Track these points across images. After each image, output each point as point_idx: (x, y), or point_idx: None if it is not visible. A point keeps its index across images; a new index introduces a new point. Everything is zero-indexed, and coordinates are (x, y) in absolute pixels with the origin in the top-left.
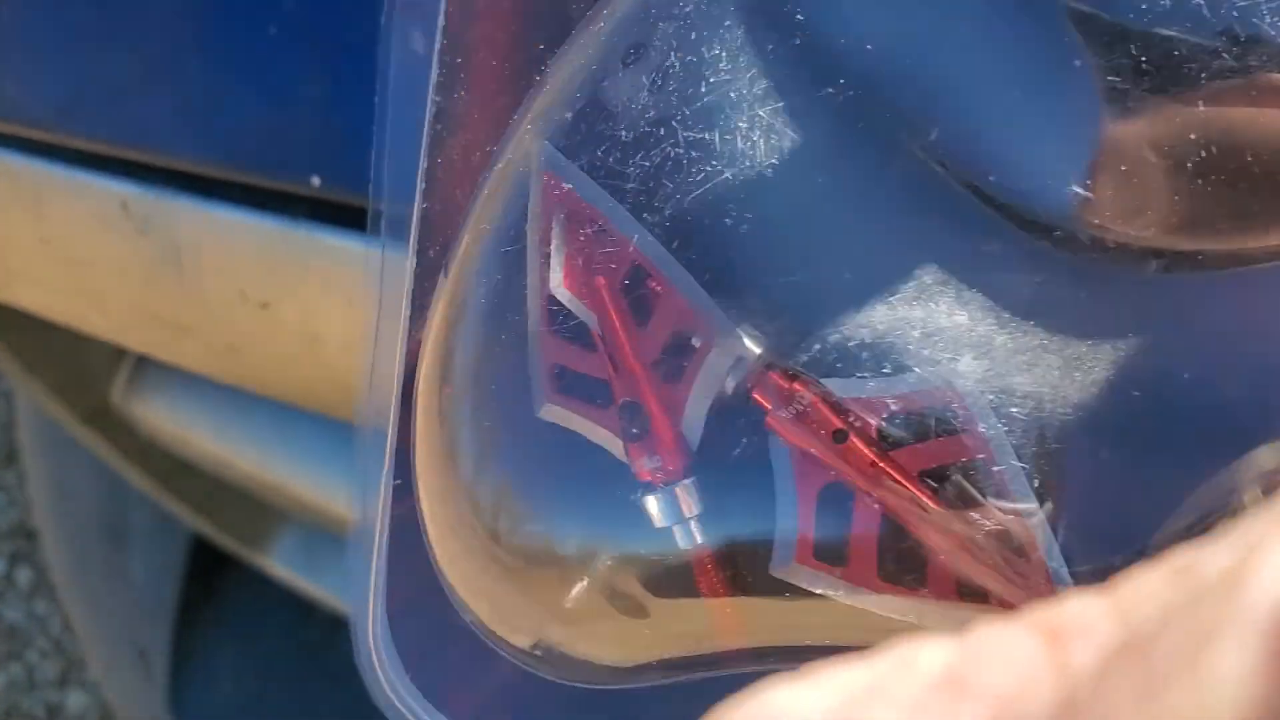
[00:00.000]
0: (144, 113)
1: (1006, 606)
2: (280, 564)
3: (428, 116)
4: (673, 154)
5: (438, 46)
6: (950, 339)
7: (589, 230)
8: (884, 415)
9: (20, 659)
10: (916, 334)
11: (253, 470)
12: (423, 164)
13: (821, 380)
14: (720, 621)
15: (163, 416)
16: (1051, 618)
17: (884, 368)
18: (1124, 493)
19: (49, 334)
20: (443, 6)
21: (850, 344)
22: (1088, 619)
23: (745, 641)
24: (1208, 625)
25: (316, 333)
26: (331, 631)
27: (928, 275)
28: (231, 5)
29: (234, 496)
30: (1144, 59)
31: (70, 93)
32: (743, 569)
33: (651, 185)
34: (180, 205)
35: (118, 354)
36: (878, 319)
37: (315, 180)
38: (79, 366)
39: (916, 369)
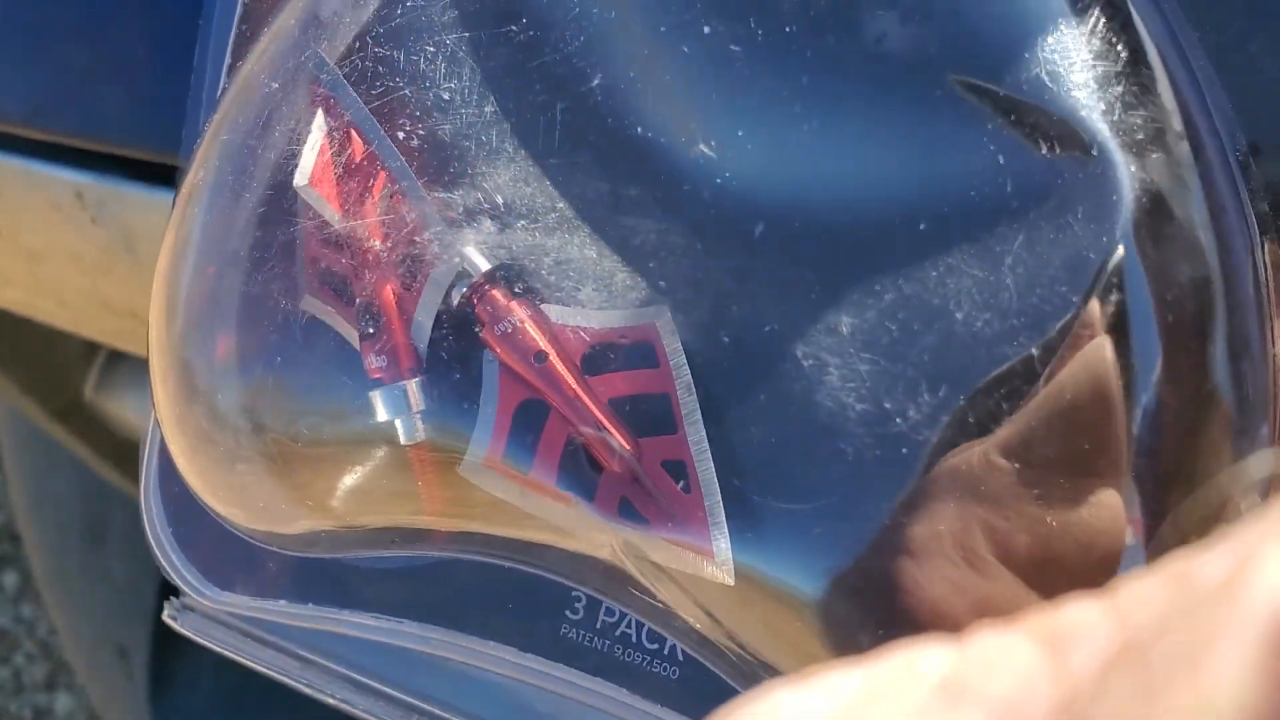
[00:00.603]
0: (97, 103)
1: (666, 533)
2: None
3: (235, 18)
4: (360, 65)
5: None
6: (578, 269)
7: (340, 133)
8: (589, 344)
9: (8, 662)
10: (549, 261)
11: None
12: (228, 61)
13: (541, 304)
14: (430, 505)
15: (137, 412)
16: (1050, 623)
17: (597, 297)
18: (748, 428)
19: (18, 331)
20: None
21: (558, 260)
22: (1086, 624)
23: (450, 524)
24: (1206, 630)
25: None
26: None
27: (569, 209)
28: None
29: None
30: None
31: (24, 85)
32: (450, 463)
33: (344, 94)
34: (134, 194)
35: (89, 350)
36: (515, 242)
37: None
38: (50, 363)
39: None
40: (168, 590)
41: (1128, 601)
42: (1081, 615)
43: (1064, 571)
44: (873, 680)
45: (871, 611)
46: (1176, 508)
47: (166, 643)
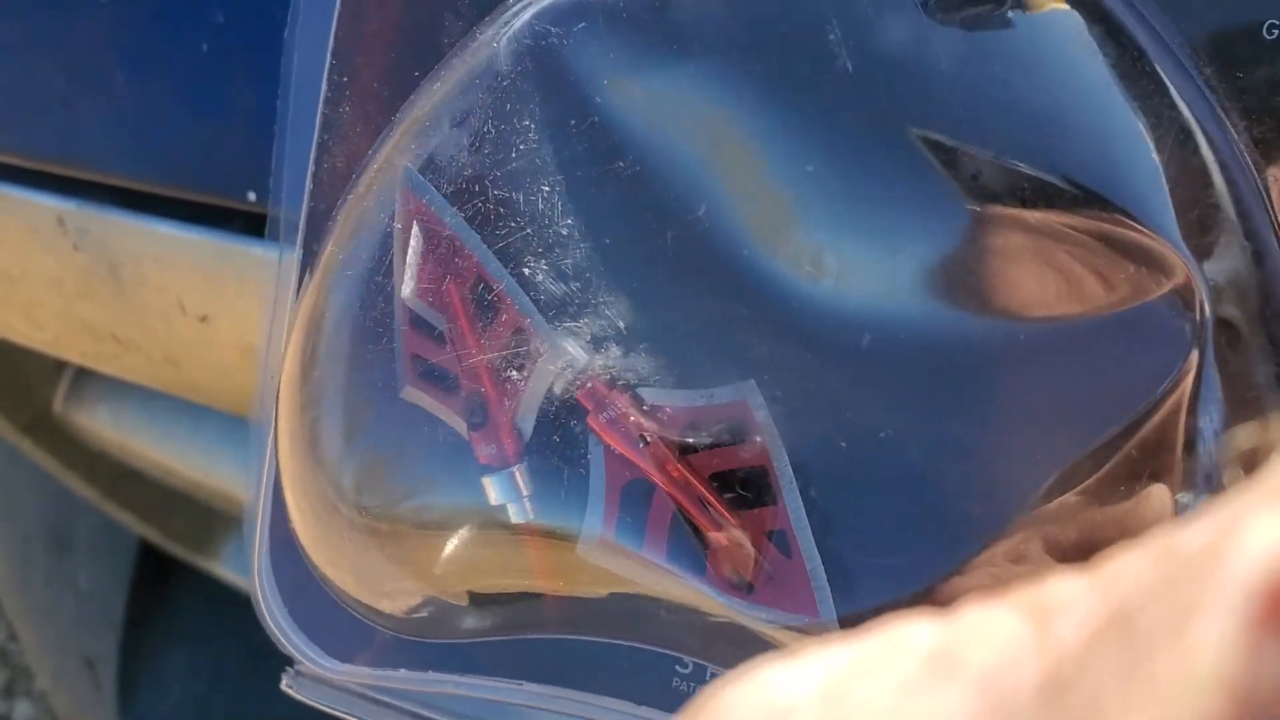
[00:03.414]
0: (79, 129)
1: (771, 601)
2: (228, 568)
3: (316, 128)
4: (483, 209)
5: (327, 66)
6: (700, 382)
7: (442, 244)
8: (686, 423)
9: None
10: (671, 379)
11: (199, 476)
12: (310, 169)
13: (637, 389)
14: (542, 580)
15: (106, 425)
16: (1036, 596)
17: (688, 385)
18: (866, 527)
19: None
20: (333, 30)
21: (648, 368)
22: (1072, 596)
23: (564, 597)
24: (1190, 598)
25: (254, 344)
26: None
27: (687, 329)
28: (165, 23)
29: (181, 502)
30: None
31: (4, 109)
32: (562, 541)
33: (463, 234)
34: (118, 220)
35: (58, 364)
36: (640, 364)
37: (251, 196)
38: (19, 376)
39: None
40: (136, 599)
41: (1113, 574)
42: (1067, 588)
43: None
44: (860, 654)
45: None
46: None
47: (134, 652)
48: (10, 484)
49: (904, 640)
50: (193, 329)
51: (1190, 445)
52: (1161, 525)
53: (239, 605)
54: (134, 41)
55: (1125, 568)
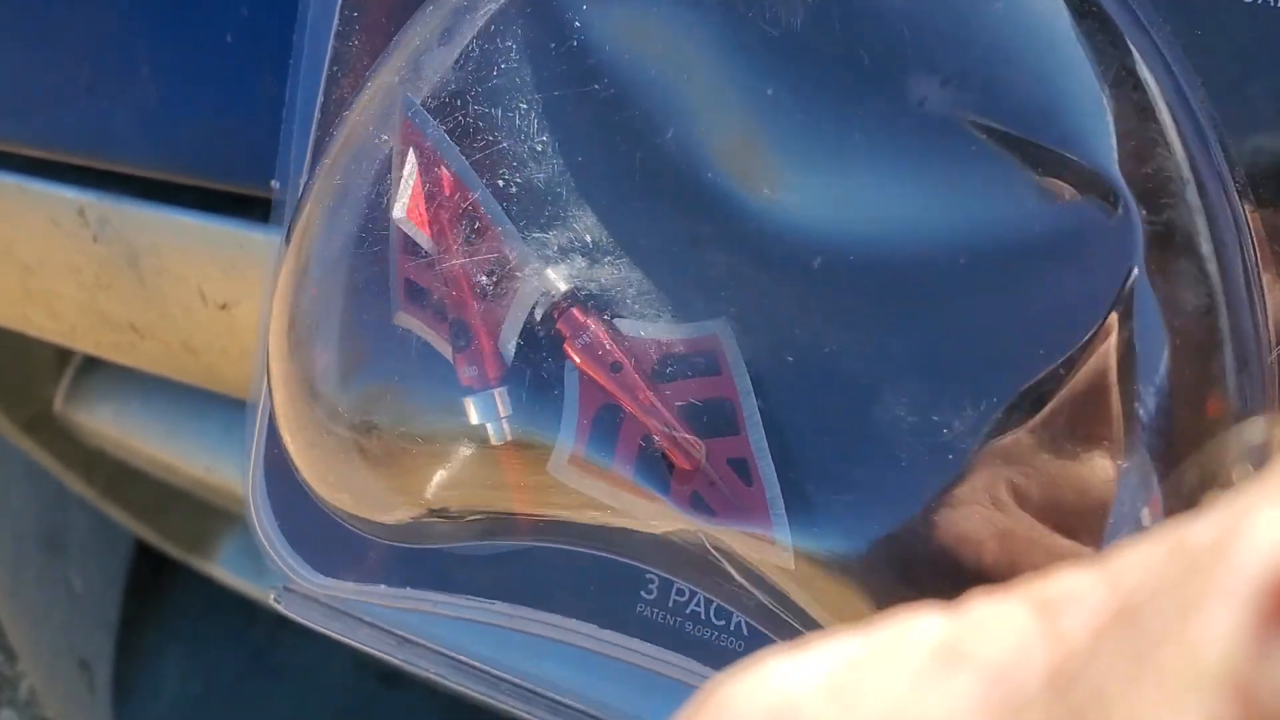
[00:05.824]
0: (102, 120)
1: (732, 523)
2: (225, 567)
3: (326, 59)
4: (463, 122)
5: (339, 1)
6: (657, 300)
7: (433, 169)
8: (658, 352)
9: None
10: (632, 291)
11: (200, 473)
12: (319, 99)
13: (613, 319)
14: (519, 498)
15: (107, 422)
16: (1044, 590)
17: (662, 314)
18: (810, 436)
19: None
20: None
21: (613, 282)
22: (1080, 590)
23: (537, 515)
24: (1195, 591)
25: None
26: (276, 633)
27: (650, 245)
28: (189, 13)
29: (178, 502)
30: None
31: (24, 99)
32: (536, 460)
33: (443, 148)
34: (138, 210)
35: (60, 362)
36: (604, 276)
37: (275, 184)
38: (20, 375)
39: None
40: (130, 599)
41: (1121, 567)
42: (1075, 581)
43: (1067, 511)
44: (868, 646)
45: (914, 563)
46: (1176, 472)
47: (128, 652)
48: (2, 484)
49: (911, 633)
50: (213, 317)
51: (1128, 376)
52: (1105, 486)
53: (235, 606)
54: (157, 32)
55: (1132, 561)
